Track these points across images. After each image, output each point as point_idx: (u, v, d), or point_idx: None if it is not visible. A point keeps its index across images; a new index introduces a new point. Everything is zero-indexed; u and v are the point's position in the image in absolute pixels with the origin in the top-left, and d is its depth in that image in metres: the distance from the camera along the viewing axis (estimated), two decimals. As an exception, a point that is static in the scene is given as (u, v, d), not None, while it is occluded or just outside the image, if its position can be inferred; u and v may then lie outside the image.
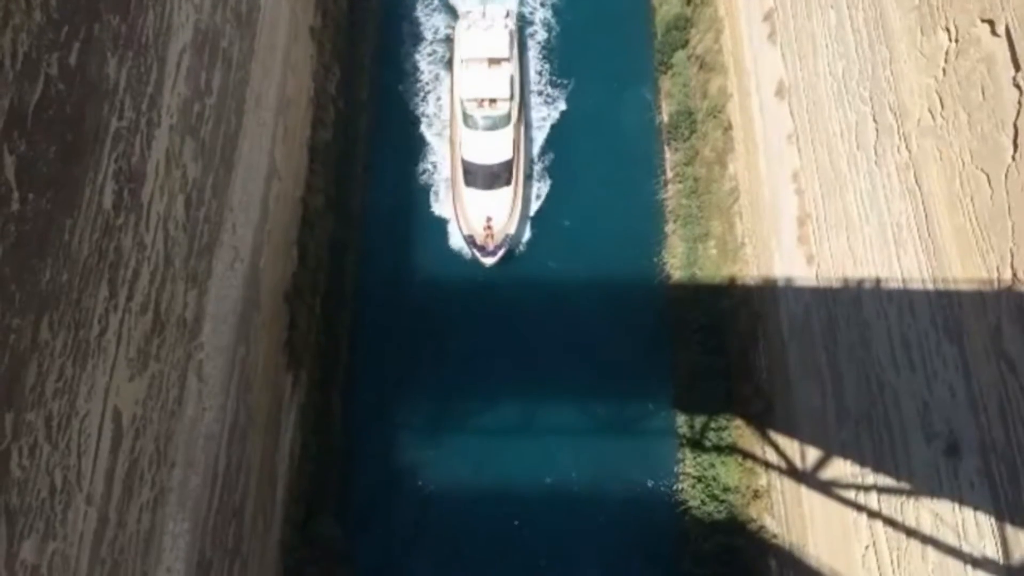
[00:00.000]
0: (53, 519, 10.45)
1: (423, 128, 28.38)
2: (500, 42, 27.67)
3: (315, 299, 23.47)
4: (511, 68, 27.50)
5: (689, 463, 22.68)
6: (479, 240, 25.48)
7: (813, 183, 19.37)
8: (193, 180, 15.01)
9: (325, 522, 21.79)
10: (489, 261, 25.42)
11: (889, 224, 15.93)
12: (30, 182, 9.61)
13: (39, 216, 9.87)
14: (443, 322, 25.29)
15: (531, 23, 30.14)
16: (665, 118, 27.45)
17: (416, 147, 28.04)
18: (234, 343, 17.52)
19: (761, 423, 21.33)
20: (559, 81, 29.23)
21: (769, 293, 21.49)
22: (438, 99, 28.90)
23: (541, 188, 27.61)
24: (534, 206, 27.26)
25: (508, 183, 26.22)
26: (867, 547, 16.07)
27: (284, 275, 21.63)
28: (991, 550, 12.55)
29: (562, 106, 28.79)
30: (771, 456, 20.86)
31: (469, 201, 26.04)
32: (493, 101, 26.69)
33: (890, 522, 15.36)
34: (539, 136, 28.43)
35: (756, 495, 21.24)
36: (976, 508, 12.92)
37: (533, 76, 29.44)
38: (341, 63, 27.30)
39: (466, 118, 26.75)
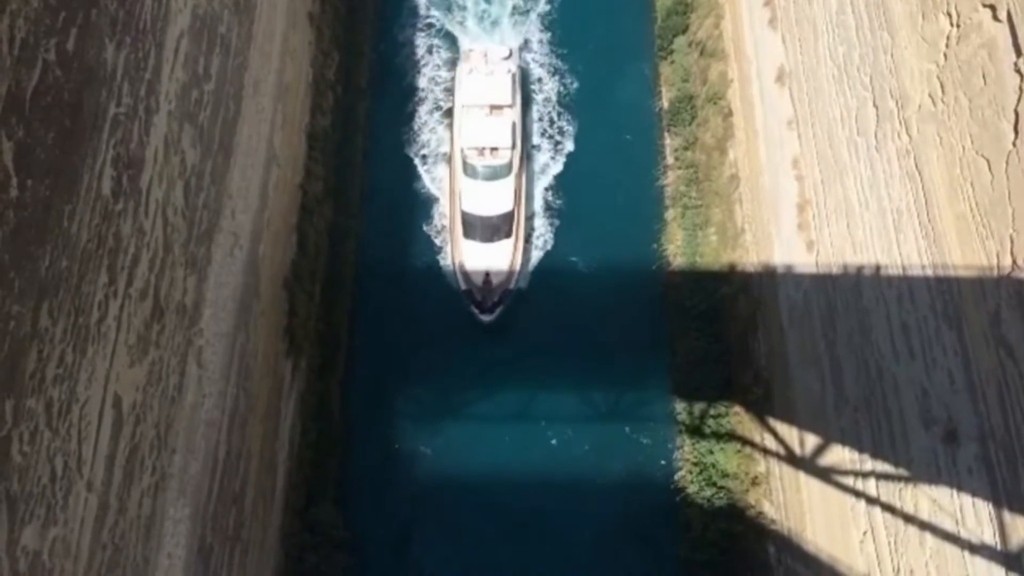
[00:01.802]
0: (54, 505, 10.48)
1: (423, 114, 28.25)
2: (502, 88, 26.58)
3: (314, 286, 23.47)
4: (513, 115, 26.41)
5: (688, 450, 22.74)
6: (477, 296, 24.41)
7: (813, 169, 19.33)
8: (192, 166, 14.98)
9: (325, 508, 21.86)
10: (487, 318, 24.32)
11: (889, 210, 15.91)
12: (29, 168, 9.59)
13: (38, 202, 9.85)
14: (442, 309, 25.29)
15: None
16: (665, 104, 27.37)
17: (415, 134, 27.93)
18: (234, 330, 17.53)
19: (760, 410, 21.37)
20: (559, 52, 29.07)
21: (769, 280, 21.49)
22: (433, 79, 28.71)
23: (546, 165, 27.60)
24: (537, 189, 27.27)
25: (508, 236, 25.06)
26: (865, 533, 16.13)
27: (283, 262, 21.61)
28: (989, 536, 12.60)
29: (561, 79, 28.65)
30: (770, 443, 20.91)
31: (468, 254, 24.92)
32: (494, 150, 25.65)
33: (888, 508, 15.40)
34: (544, 111, 28.29)
35: (755, 481, 21.31)
36: (974, 494, 12.96)
37: (535, 46, 29.26)
38: (340, 49, 27.19)
39: (466, 167, 25.63)
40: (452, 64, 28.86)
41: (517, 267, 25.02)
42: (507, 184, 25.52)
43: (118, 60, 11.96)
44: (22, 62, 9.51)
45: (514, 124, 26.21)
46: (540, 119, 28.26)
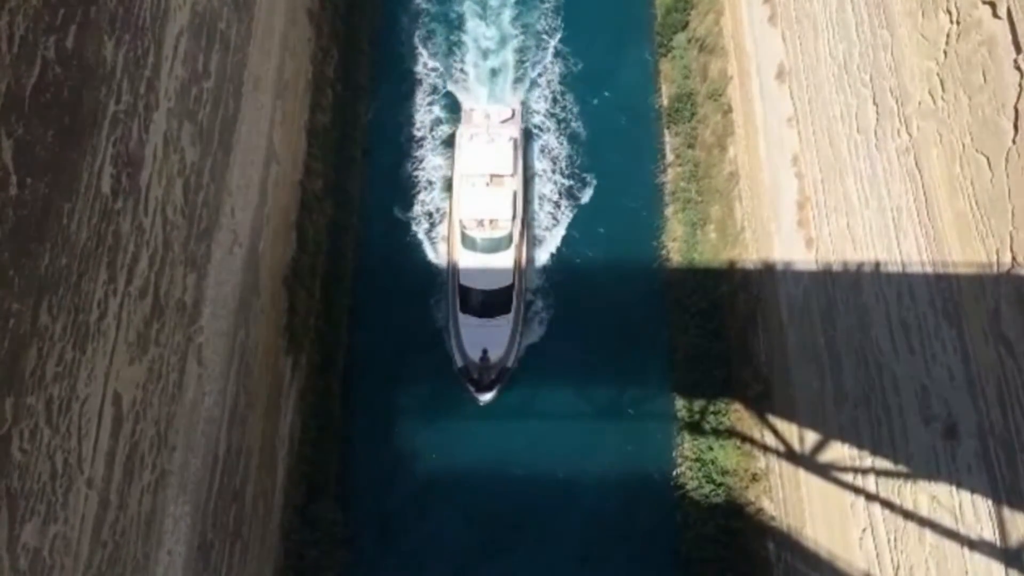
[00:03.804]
0: (54, 502, 10.49)
1: (422, 106, 28.19)
2: (503, 157, 25.34)
3: (314, 283, 23.47)
4: (514, 184, 25.30)
5: (688, 446, 22.76)
6: (473, 373, 23.56)
7: (813, 167, 19.33)
8: (191, 164, 14.97)
9: (325, 505, 21.89)
10: (484, 397, 23.42)
11: (889, 208, 15.91)
12: (28, 166, 9.59)
13: (37, 200, 9.85)
14: (441, 306, 25.29)
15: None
16: (665, 101, 27.35)
17: (415, 127, 27.88)
18: (234, 327, 17.53)
19: (759, 406, 21.39)
20: (560, 34, 29.11)
21: (768, 277, 21.50)
22: (430, 67, 28.67)
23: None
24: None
25: (507, 311, 24.05)
26: (864, 530, 16.16)
27: (283, 259, 21.61)
28: (988, 532, 12.62)
29: (564, 62, 28.70)
30: (769, 439, 20.93)
31: (465, 330, 23.93)
32: (494, 221, 24.64)
33: (888, 505, 15.42)
34: (547, 91, 28.22)
35: (754, 478, 21.33)
36: (973, 491, 12.98)
37: (536, 27, 29.16)
38: (339, 46, 27.16)
39: (464, 238, 24.63)
40: (449, 50, 28.79)
41: (516, 344, 24.10)
42: (507, 257, 24.49)
43: (117, 57, 11.96)
44: (21, 59, 9.51)
45: (515, 194, 25.13)
46: (543, 98, 28.17)
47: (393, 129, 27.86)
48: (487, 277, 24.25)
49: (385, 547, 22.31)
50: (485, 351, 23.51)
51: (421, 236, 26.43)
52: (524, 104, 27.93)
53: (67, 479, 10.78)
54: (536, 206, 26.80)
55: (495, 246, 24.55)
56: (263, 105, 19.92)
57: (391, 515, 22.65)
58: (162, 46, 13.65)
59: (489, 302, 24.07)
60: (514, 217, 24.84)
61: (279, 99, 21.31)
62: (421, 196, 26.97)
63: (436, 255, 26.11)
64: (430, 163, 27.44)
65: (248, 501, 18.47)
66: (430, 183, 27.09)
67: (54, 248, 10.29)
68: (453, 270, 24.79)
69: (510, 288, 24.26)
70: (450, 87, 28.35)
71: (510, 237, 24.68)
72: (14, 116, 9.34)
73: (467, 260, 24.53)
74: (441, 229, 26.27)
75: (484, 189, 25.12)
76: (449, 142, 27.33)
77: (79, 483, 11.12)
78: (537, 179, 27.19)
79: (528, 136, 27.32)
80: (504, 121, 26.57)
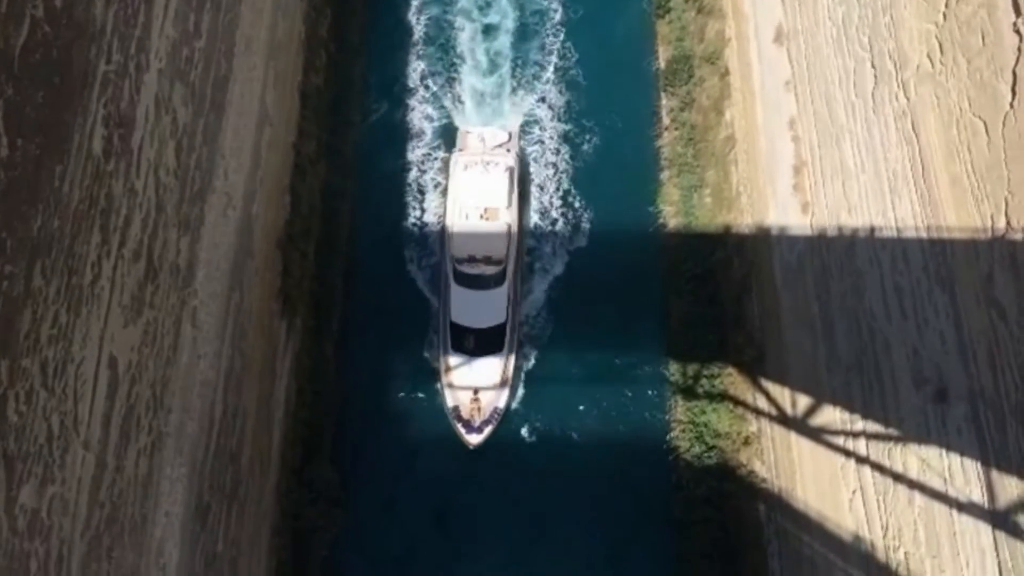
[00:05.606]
0: (51, 464, 10.56)
1: (417, 71, 27.89)
2: (498, 189, 24.44)
3: (309, 246, 23.40)
4: (509, 217, 24.44)
5: (681, 410, 22.93)
6: (464, 414, 22.99)
7: (810, 131, 19.23)
8: (183, 126, 14.84)
9: (321, 466, 22.07)
10: (475, 439, 22.74)
11: (885, 172, 15.87)
12: (19, 127, 9.50)
13: (28, 162, 9.77)
14: (437, 269, 25.26)
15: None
16: (662, 64, 27.09)
17: (410, 90, 27.63)
18: (228, 290, 17.52)
19: (753, 371, 21.52)
20: None
21: (763, 242, 21.49)
22: (427, 33, 28.35)
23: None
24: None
25: (500, 350, 23.45)
26: (854, 492, 16.36)
27: (277, 222, 21.53)
28: (976, 495, 12.79)
29: (565, 9, 28.53)
30: (762, 403, 21.09)
31: (456, 368, 23.45)
32: (487, 257, 23.83)
33: (878, 467, 15.60)
34: (550, 44, 28.03)
35: (747, 441, 21.53)
36: (963, 454, 13.12)
37: None
38: (333, 6, 26.78)
39: (456, 274, 23.81)
40: (443, 3, 28.46)
41: (509, 384, 23.45)
42: (500, 294, 23.67)
43: (107, 16, 11.79)
44: (10, 18, 9.37)
45: (509, 227, 24.28)
46: (540, 49, 27.98)
47: (388, 88, 27.59)
48: (479, 315, 23.53)
49: (380, 507, 22.53)
50: (476, 390, 23.18)
51: (415, 195, 26.30)
52: (526, 112, 27.45)
53: (64, 441, 10.83)
54: (537, 154, 26.68)
55: (488, 283, 23.74)
56: (255, 66, 19.69)
57: (386, 476, 22.85)
58: (152, 5, 13.45)
59: (481, 340, 23.48)
60: (508, 253, 23.98)
61: (271, 60, 21.07)
62: (414, 148, 26.79)
63: (433, 218, 25.95)
64: (421, 112, 27.25)
65: (244, 463, 18.61)
66: (422, 132, 26.94)
67: (46, 210, 10.23)
68: (444, 306, 24.14)
69: (503, 326, 23.66)
70: (443, 45, 28.06)
71: (503, 273, 23.80)
72: (4, 76, 9.22)
73: (459, 296, 23.72)
74: (433, 260, 25.62)
75: (478, 223, 24.28)
76: (438, 103, 27.17)
77: (76, 445, 11.18)
78: (536, 125, 27.03)
79: (524, 162, 26.41)
80: (500, 145, 25.71)
